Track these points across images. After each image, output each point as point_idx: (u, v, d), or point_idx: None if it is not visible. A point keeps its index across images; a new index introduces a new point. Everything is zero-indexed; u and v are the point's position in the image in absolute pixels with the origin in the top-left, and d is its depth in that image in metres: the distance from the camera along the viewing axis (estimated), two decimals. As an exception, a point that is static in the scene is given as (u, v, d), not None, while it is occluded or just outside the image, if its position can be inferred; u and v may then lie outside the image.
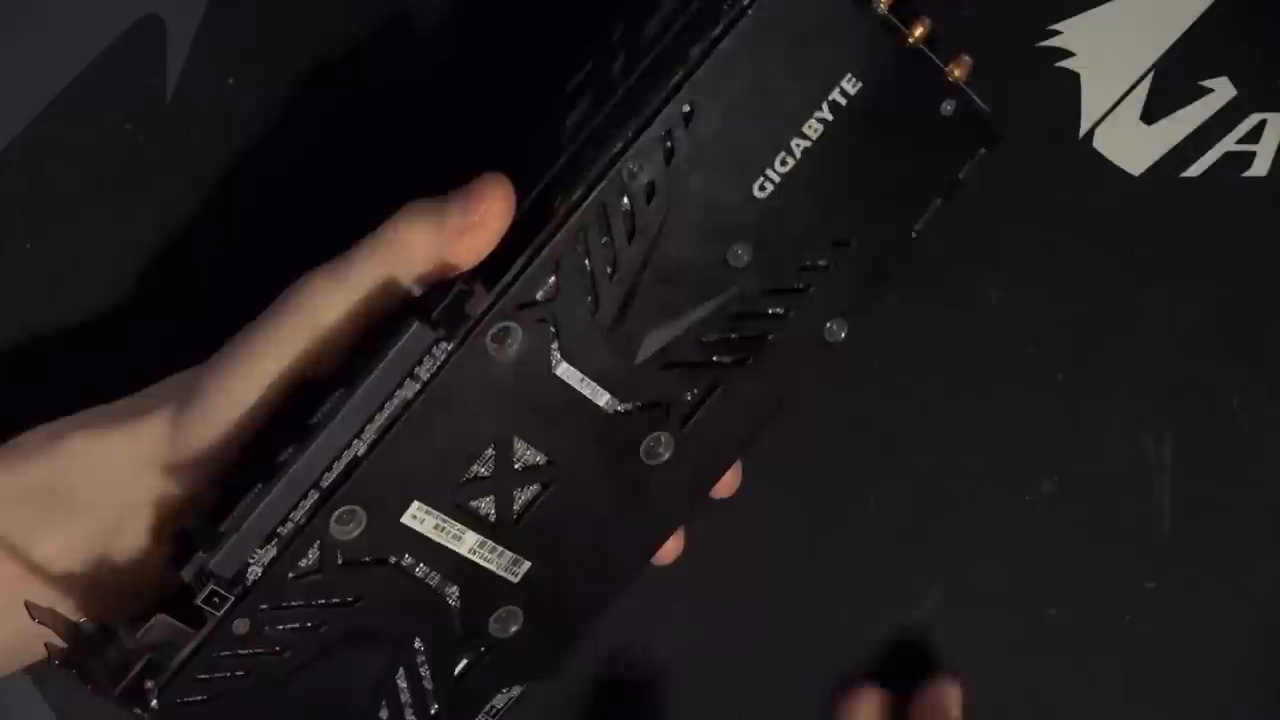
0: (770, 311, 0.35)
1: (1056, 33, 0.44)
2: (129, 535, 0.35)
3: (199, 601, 0.30)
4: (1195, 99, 0.44)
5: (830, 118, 0.33)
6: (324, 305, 0.33)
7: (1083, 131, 0.44)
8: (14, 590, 0.35)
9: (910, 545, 0.44)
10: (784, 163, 0.33)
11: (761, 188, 0.33)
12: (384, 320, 0.33)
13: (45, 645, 0.30)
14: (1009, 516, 0.44)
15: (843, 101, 0.33)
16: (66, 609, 0.33)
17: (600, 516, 0.35)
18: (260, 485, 0.31)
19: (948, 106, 0.35)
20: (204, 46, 0.42)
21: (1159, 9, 0.44)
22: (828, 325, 0.36)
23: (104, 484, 0.34)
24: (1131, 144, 0.44)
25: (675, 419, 0.35)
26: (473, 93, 0.42)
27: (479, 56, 0.42)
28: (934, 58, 0.35)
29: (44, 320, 0.41)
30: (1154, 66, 0.44)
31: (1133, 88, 0.44)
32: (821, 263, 0.35)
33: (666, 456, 0.35)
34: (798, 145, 0.33)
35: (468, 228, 0.32)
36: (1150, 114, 0.44)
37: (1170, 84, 0.44)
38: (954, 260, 0.44)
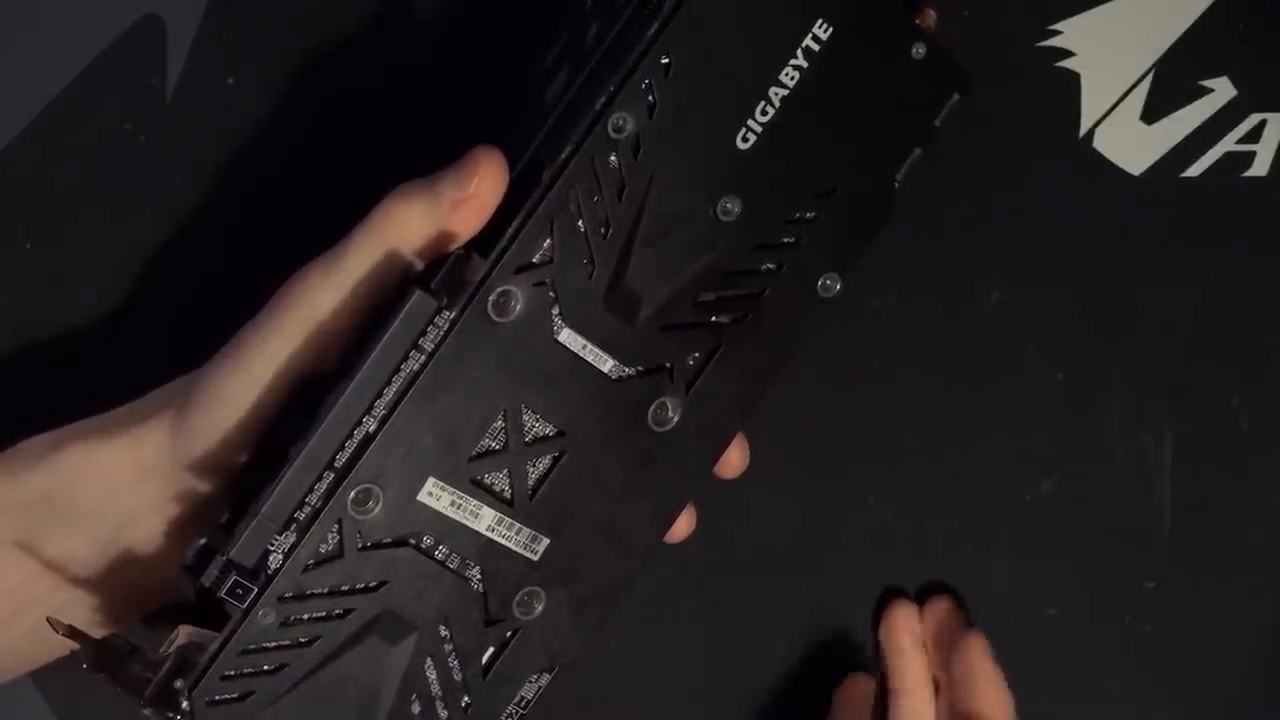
0: (763, 267, 0.35)
1: (1056, 33, 0.44)
2: (133, 544, 0.35)
3: (222, 593, 0.30)
4: (1195, 99, 0.44)
5: (805, 64, 0.34)
6: (321, 296, 0.33)
7: (1083, 131, 0.44)
8: (15, 600, 0.35)
9: (910, 545, 0.44)
10: (764, 112, 0.34)
11: (744, 138, 0.34)
12: (384, 306, 0.32)
13: (72, 653, 0.30)
14: (1009, 516, 0.44)
15: (816, 47, 0.34)
16: (71, 619, 0.33)
17: (613, 488, 0.35)
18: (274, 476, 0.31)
19: (919, 50, 0.36)
20: (204, 46, 0.42)
21: (1159, 9, 0.44)
22: (821, 280, 0.36)
23: (105, 493, 0.34)
24: (1131, 144, 0.44)
25: (680, 383, 0.35)
26: (474, 93, 0.42)
27: (480, 56, 0.42)
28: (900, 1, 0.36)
29: (44, 320, 0.41)
30: (1154, 66, 0.44)
31: (1133, 88, 0.44)
32: (809, 214, 0.35)
33: (674, 423, 0.35)
34: (776, 94, 0.34)
35: (463, 201, 0.32)
36: (1150, 114, 0.44)
37: (1170, 84, 0.44)
38: (954, 260, 0.44)
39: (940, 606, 0.43)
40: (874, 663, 0.43)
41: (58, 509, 0.34)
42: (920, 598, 0.43)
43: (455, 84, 0.42)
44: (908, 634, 0.42)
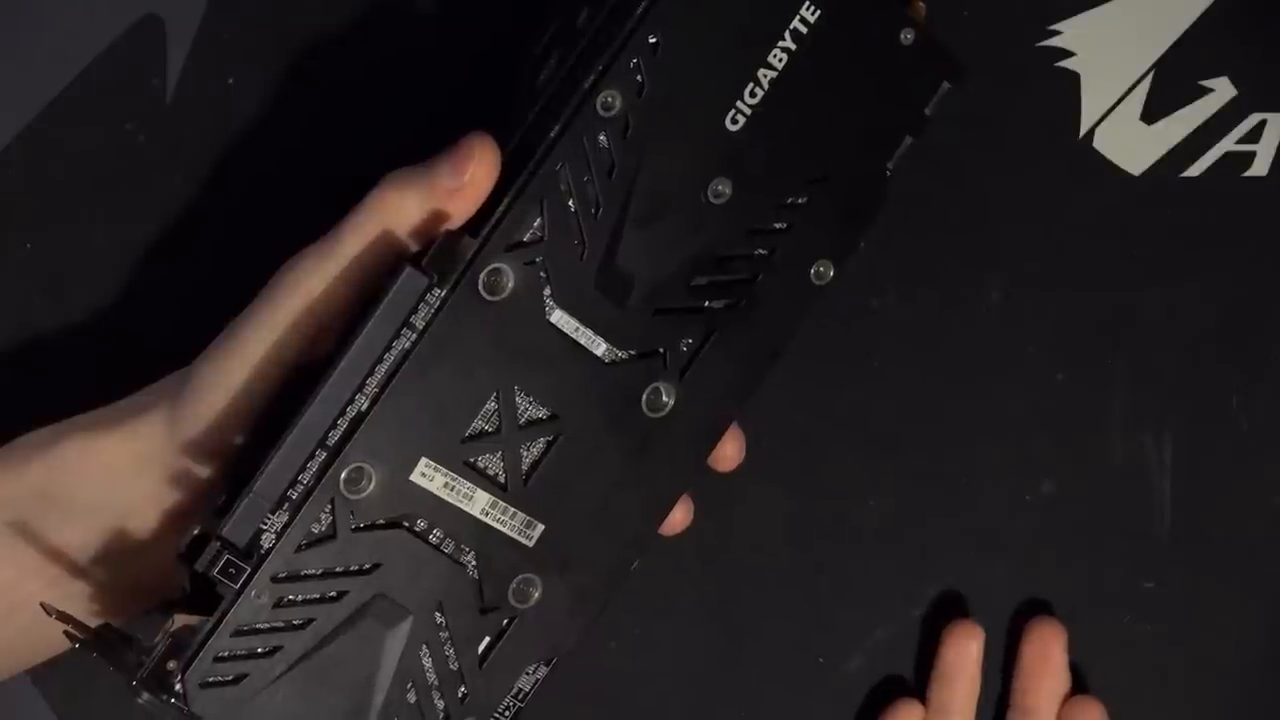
0: (756, 252, 0.35)
1: (1056, 33, 0.44)
2: (131, 536, 0.35)
3: (215, 573, 0.30)
4: (1195, 99, 0.44)
5: (793, 47, 0.34)
6: (314, 283, 0.33)
7: (1083, 131, 0.44)
8: (12, 595, 0.35)
9: (910, 545, 0.44)
10: (753, 94, 0.34)
11: (734, 120, 0.34)
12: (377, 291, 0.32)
13: (65, 634, 0.30)
14: (1009, 516, 0.44)
15: (804, 30, 0.34)
16: (69, 613, 0.33)
17: (608, 474, 0.35)
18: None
19: (907, 35, 0.36)
20: (204, 46, 0.42)
21: (1159, 9, 0.44)
22: (814, 267, 0.36)
23: (102, 486, 0.34)
24: (1131, 144, 0.44)
25: (673, 369, 0.35)
26: (474, 93, 0.42)
27: (480, 56, 0.42)
28: None
29: (44, 320, 0.41)
30: (1154, 66, 0.44)
31: (1133, 88, 0.44)
32: (801, 200, 0.35)
33: (668, 408, 0.35)
34: (765, 76, 0.34)
35: (458, 189, 0.32)
36: (1150, 114, 0.44)
37: (1170, 84, 0.44)
38: (954, 260, 0.44)
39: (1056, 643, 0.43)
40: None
41: (55, 502, 0.34)
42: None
43: (455, 83, 0.42)
44: (970, 658, 0.42)
